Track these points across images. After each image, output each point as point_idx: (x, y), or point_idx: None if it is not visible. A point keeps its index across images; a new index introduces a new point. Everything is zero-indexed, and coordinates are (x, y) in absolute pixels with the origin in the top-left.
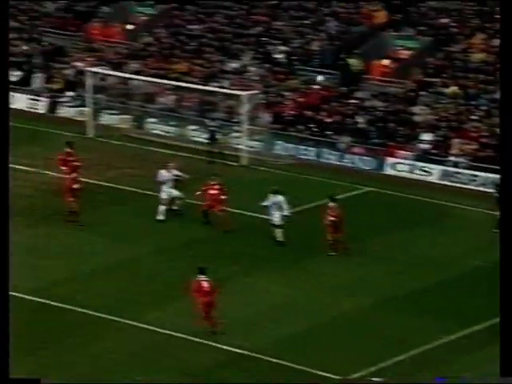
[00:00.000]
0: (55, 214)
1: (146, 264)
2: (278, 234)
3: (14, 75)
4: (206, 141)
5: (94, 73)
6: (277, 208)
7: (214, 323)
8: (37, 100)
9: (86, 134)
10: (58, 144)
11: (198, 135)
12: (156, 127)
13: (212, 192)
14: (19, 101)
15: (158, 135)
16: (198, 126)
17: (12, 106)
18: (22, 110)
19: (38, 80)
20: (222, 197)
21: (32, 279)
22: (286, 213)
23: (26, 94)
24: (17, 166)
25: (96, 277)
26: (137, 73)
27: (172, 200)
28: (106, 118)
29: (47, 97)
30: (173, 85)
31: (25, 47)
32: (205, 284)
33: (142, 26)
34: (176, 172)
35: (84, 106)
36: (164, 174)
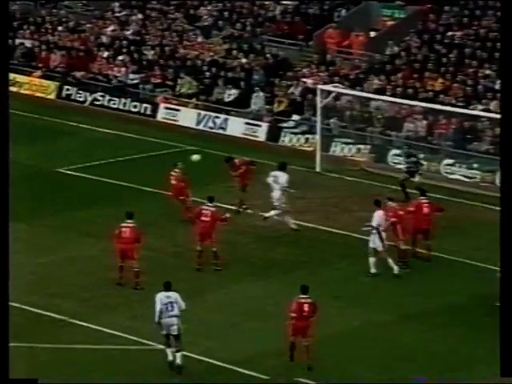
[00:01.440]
0: (272, 267)
1: (385, 332)
2: None
3: (230, 94)
4: (405, 174)
5: (327, 91)
6: None
7: (309, 355)
8: (256, 125)
9: (313, 168)
10: None
11: (455, 171)
12: (401, 160)
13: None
14: (235, 125)
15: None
16: (455, 159)
17: (226, 132)
18: (237, 136)
19: (257, 100)
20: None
21: (244, 345)
22: None
23: (243, 117)
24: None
25: (323, 346)
26: (379, 92)
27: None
28: (339, 149)
29: (268, 121)
30: (424, 107)
31: (243, 60)
32: (305, 307)
33: (388, 33)
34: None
35: (312, 132)
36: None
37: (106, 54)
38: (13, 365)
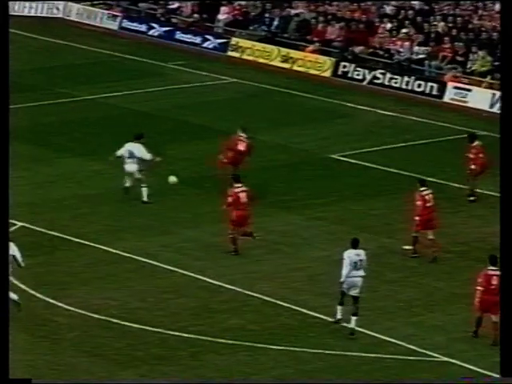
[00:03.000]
0: None
1: None
2: None
3: None
4: None
5: None
6: None
7: (497, 332)
8: None
9: None
10: None
11: None
12: None
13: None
14: None
15: None
16: None
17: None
18: None
19: None
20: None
21: None
22: None
23: None
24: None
25: None
26: None
27: None
28: None
29: None
30: None
31: None
32: (494, 279)
33: None
34: None
35: None
36: None
37: (388, 25)
38: (276, 367)
